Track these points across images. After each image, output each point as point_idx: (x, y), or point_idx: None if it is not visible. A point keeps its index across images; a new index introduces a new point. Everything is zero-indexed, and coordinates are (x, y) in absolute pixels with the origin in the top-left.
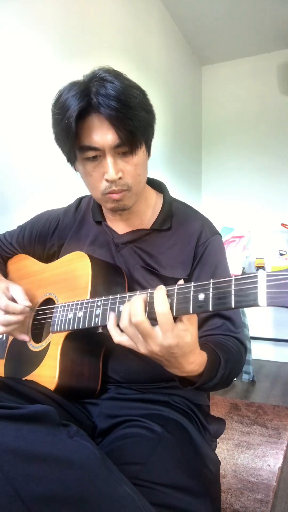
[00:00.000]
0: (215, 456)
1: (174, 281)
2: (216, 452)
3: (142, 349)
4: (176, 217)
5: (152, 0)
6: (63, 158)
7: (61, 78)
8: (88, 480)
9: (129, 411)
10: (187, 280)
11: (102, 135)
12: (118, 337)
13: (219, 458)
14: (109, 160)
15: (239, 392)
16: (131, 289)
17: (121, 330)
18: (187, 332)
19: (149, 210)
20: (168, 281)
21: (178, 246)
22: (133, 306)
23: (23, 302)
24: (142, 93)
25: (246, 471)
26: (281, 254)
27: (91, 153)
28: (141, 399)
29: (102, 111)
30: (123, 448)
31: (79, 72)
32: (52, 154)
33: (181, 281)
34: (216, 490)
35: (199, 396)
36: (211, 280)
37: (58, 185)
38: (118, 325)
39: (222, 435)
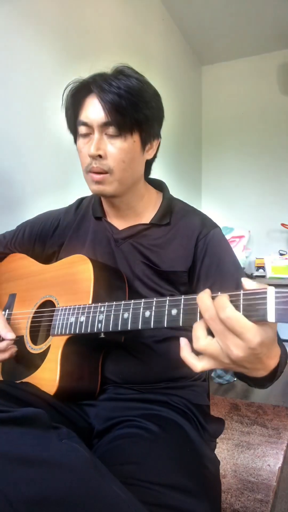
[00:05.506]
0: (214, 456)
1: (174, 275)
2: (216, 452)
3: (226, 361)
4: (175, 213)
5: (152, 0)
6: (64, 158)
7: (61, 78)
8: (77, 482)
9: (126, 412)
10: (189, 274)
11: (94, 111)
12: (199, 364)
13: (219, 458)
14: (94, 136)
15: (239, 392)
16: (132, 285)
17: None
18: (265, 326)
19: (149, 208)
20: (168, 276)
21: (178, 240)
22: (218, 303)
23: (6, 336)
24: (152, 93)
25: (246, 471)
26: (281, 254)
27: (83, 129)
28: (139, 399)
29: (93, 87)
30: (119, 448)
31: (78, 72)
32: (53, 154)
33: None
34: (215, 490)
35: (198, 396)
36: (219, 293)
37: (59, 187)
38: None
39: (222, 435)
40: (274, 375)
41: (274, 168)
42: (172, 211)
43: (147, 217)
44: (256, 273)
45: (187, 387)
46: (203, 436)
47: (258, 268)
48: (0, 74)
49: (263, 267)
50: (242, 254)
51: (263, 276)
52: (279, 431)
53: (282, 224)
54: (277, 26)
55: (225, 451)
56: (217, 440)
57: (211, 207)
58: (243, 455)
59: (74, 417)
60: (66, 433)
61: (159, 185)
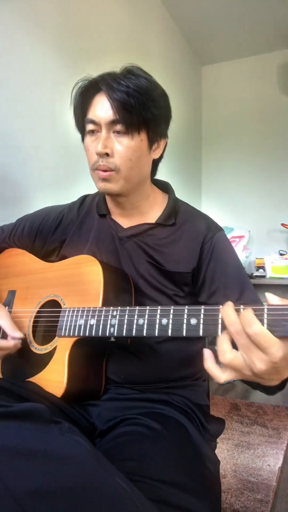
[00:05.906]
0: (214, 456)
1: (179, 275)
2: (216, 452)
3: (248, 373)
4: (180, 214)
5: (152, 0)
6: (68, 156)
7: (61, 78)
8: (79, 474)
9: (129, 411)
10: (193, 275)
11: (102, 109)
12: (223, 376)
13: (219, 458)
14: (102, 134)
15: (239, 392)
16: (136, 283)
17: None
18: (286, 340)
19: (154, 208)
20: (173, 276)
21: (183, 241)
22: (245, 318)
23: (13, 335)
24: (160, 92)
25: (246, 471)
26: (281, 254)
27: (90, 126)
28: (141, 399)
29: (101, 85)
30: (121, 445)
31: (79, 72)
32: (56, 152)
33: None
34: (215, 489)
35: (199, 396)
36: (241, 306)
37: (61, 185)
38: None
39: (222, 435)
40: (285, 383)
41: (274, 168)
42: (178, 212)
43: (152, 217)
44: (256, 273)
45: (188, 387)
46: (204, 435)
47: (258, 268)
48: (2, 73)
49: (263, 267)
50: (242, 254)
51: (263, 276)
52: (279, 431)
53: (282, 224)
54: (277, 26)
55: (225, 451)
56: (217, 440)
57: (211, 207)
58: (243, 455)
59: (77, 417)
60: (68, 427)
61: (164, 186)
